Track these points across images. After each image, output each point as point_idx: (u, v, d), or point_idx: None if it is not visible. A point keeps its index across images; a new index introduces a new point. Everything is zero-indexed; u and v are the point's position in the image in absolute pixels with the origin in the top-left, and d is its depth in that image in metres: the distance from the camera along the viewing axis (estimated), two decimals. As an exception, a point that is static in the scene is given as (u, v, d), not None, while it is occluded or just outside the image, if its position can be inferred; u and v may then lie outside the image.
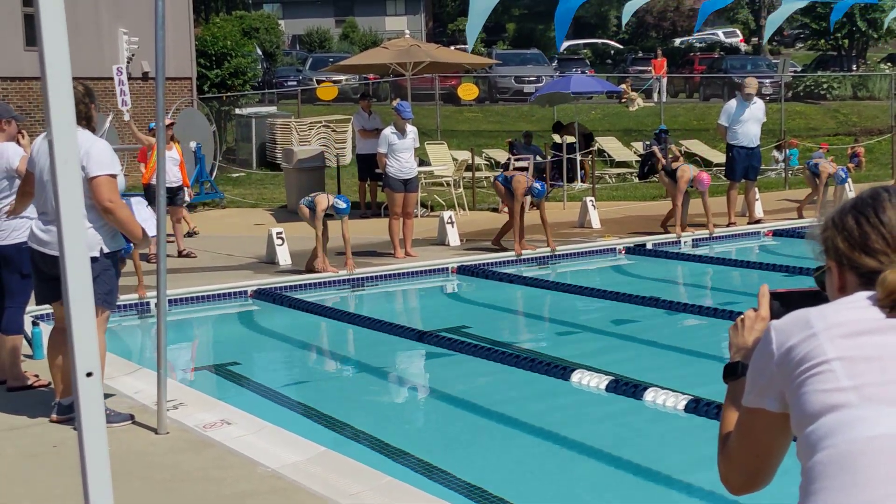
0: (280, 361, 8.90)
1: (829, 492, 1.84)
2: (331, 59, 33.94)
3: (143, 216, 6.42)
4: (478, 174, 20.93)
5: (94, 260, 5.64)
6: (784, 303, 2.22)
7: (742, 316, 2.28)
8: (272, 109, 27.63)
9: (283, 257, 12.62)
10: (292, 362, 8.86)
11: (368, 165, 18.21)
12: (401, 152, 13.03)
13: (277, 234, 12.86)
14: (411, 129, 13.22)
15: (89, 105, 6.30)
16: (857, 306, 1.99)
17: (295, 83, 32.80)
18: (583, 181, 21.30)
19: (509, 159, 19.72)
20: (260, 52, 34.44)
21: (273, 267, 12.36)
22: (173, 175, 13.18)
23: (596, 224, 15.26)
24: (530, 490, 5.68)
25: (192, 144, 18.72)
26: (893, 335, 1.92)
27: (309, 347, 9.34)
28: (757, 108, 14.78)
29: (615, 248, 13.52)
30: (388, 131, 13.13)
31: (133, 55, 23.43)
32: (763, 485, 2.14)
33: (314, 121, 24.17)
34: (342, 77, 31.33)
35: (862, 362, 1.90)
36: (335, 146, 22.99)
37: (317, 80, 31.88)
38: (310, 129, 23.49)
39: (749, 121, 14.67)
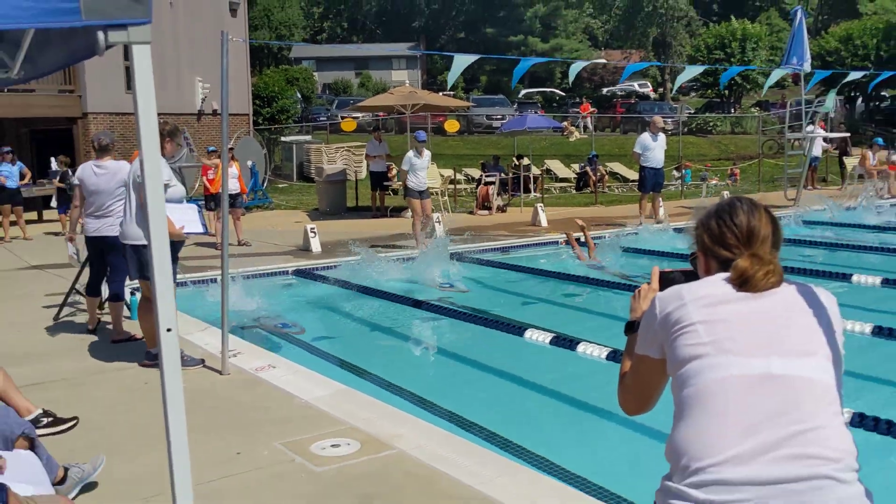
0: (312, 322, 8.86)
1: (693, 416, 1.92)
2: (351, 101, 33.77)
3: (190, 217, 6.34)
4: (458, 186, 20.90)
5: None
6: (669, 279, 2.26)
7: (639, 288, 2.33)
8: (308, 138, 27.53)
9: (315, 246, 12.56)
10: (322, 322, 8.83)
11: (378, 179, 18.19)
12: (419, 170, 12.85)
13: (311, 229, 12.79)
14: (427, 153, 13.11)
15: (164, 138, 6.35)
16: (716, 283, 2.06)
17: (325, 118, 32.69)
18: (535, 192, 21.25)
19: (482, 175, 19.65)
20: (299, 95, 34.22)
21: (308, 254, 12.31)
22: (233, 186, 13.27)
23: (544, 223, 15.23)
24: (496, 415, 5.68)
25: (249, 163, 18.60)
26: (740, 304, 2.00)
27: (335, 312, 9.31)
28: (661, 140, 14.80)
29: (557, 241, 13.49)
30: (410, 153, 12.95)
31: (206, 97, 23.28)
32: (648, 409, 2.20)
33: (339, 146, 24.08)
34: (359, 114, 31.14)
35: (718, 324, 1.97)
36: (354, 165, 22.90)
37: (341, 117, 31.68)
38: (335, 153, 23.39)
39: (656, 149, 14.67)
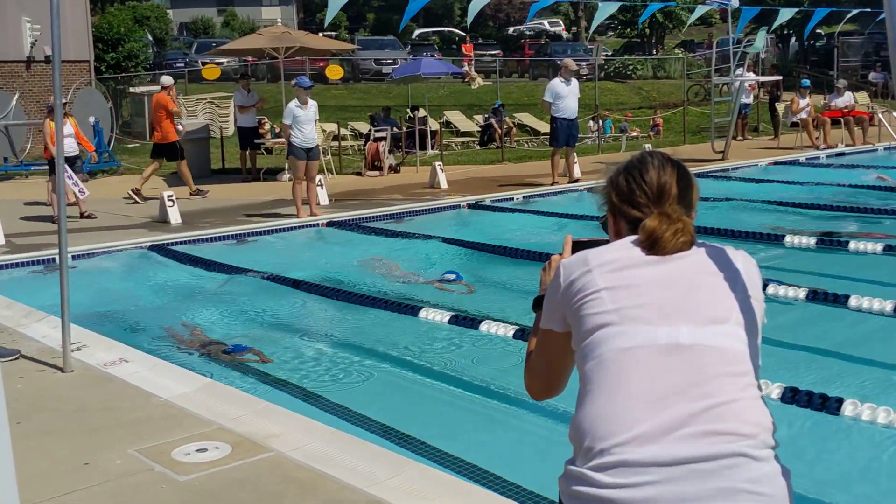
0: (170, 306, 8.71)
1: (598, 389, 2.00)
2: (214, 44, 32.96)
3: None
4: (343, 143, 20.77)
5: None
6: (582, 248, 2.30)
7: (550, 259, 2.38)
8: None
9: (175, 217, 12.32)
10: (181, 307, 8.68)
11: (248, 136, 17.90)
12: (304, 124, 12.46)
13: (168, 196, 12.52)
14: (312, 103, 12.76)
15: None
16: (624, 247, 2.14)
17: (182, 65, 31.90)
18: (433, 148, 21.33)
19: (370, 130, 19.59)
20: (150, 37, 33.26)
21: (165, 226, 12.06)
22: (69, 146, 12.82)
23: (444, 185, 15.33)
24: (390, 407, 5.73)
25: (91, 119, 17.99)
26: (648, 268, 2.08)
27: (196, 294, 9.17)
28: (574, 86, 15.03)
29: (459, 204, 13.62)
30: (293, 104, 12.54)
31: (36, 41, 22.37)
32: (556, 392, 2.26)
33: (200, 97, 23.56)
34: (224, 59, 30.52)
35: (623, 290, 2.05)
36: (219, 120, 22.45)
37: (202, 63, 30.98)
38: (196, 105, 22.87)
39: (568, 97, 14.88)
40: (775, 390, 5.28)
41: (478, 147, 23.18)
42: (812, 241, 9.77)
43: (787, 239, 9.91)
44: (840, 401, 5.13)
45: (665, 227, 2.09)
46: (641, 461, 1.88)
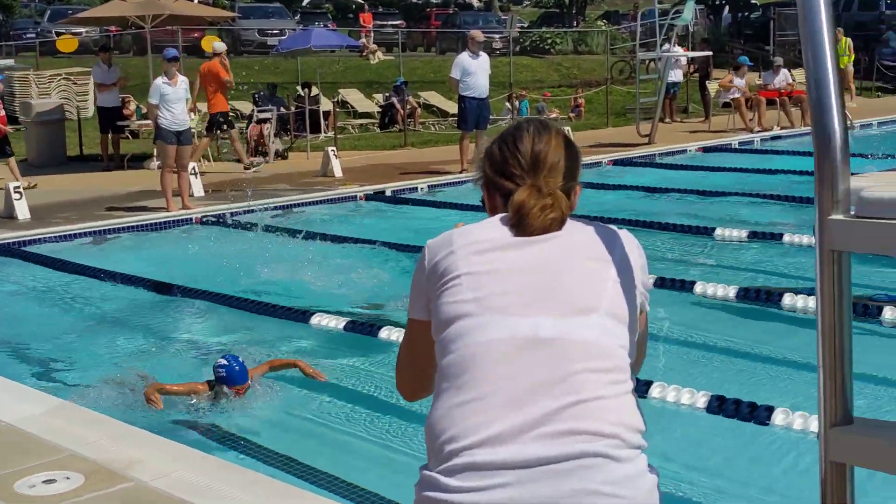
0: (14, 316, 8.49)
1: (453, 388, 2.05)
2: (70, 11, 32.21)
3: None
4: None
5: None
6: None
7: None
8: (10, 62, 26.08)
9: (22, 212, 12.01)
10: (27, 316, 8.47)
11: (109, 118, 17.55)
12: (173, 103, 12.23)
13: (15, 188, 12.20)
14: (183, 79, 12.52)
15: None
16: (492, 226, 2.19)
17: (33, 35, 31.11)
18: (326, 132, 21.24)
19: (253, 111, 19.40)
20: (-6, 2, 32.35)
21: (12, 223, 11.75)
22: None
23: (338, 173, 15.28)
24: (273, 426, 5.69)
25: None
26: (513, 251, 2.13)
27: (44, 301, 8.95)
28: (483, 61, 15.13)
29: (356, 196, 13.60)
30: (160, 81, 12.29)
31: None
32: (427, 392, 2.31)
33: (54, 73, 23.00)
34: (82, 29, 29.89)
35: (485, 276, 2.10)
36: (76, 99, 21.97)
37: (56, 33, 30.30)
38: (49, 82, 22.33)
39: (478, 73, 14.96)
40: (701, 399, 5.45)
41: (377, 130, 23.19)
42: (744, 233, 10.04)
43: (718, 232, 10.17)
44: (770, 410, 5.34)
45: (533, 202, 2.13)
46: (492, 463, 1.93)
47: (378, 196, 13.65)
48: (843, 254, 1.49)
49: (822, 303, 1.51)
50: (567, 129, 18.04)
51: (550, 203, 2.14)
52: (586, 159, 16.09)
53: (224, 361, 5.95)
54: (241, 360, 6.01)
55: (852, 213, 1.48)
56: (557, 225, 2.14)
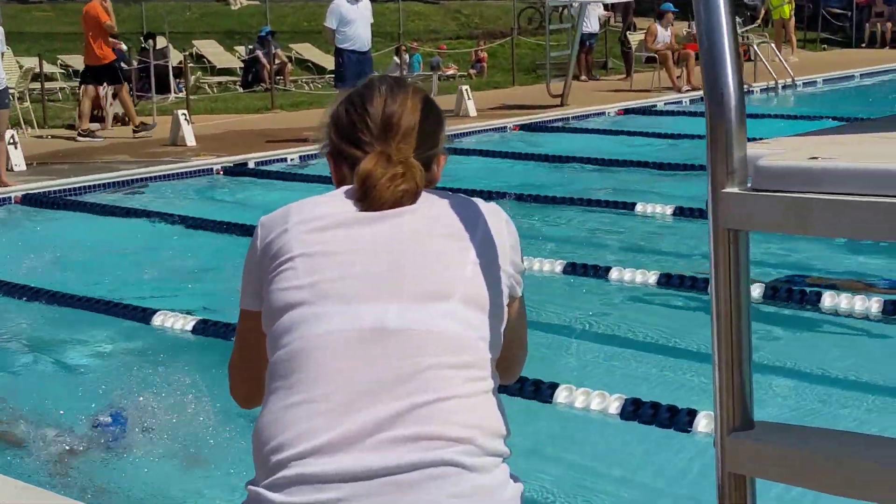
0: None
1: (283, 389, 2.06)
2: None
3: None
4: (50, 85, 20.10)
5: None
6: None
7: None
8: None
9: None
10: None
11: None
12: None
13: None
14: None
15: None
16: (334, 199, 2.21)
17: None
18: (177, 92, 20.96)
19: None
20: None
21: None
22: None
23: (191, 141, 15.09)
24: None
25: None
26: (358, 228, 2.14)
27: None
28: (364, 7, 15.06)
29: (212, 168, 13.45)
30: None
31: None
32: (261, 399, 2.29)
33: None
34: None
35: (322, 258, 2.11)
36: None
37: None
38: None
39: (357, 22, 14.90)
40: (613, 403, 5.55)
41: (239, 90, 22.99)
42: (668, 210, 10.21)
43: (639, 208, 10.33)
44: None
45: (381, 171, 2.15)
46: (325, 475, 1.95)
47: (239, 169, 13.53)
48: (739, 232, 1.52)
49: (717, 289, 1.54)
50: (466, 87, 18.18)
51: (401, 173, 2.15)
52: (489, 123, 16.26)
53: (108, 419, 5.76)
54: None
55: (749, 185, 1.51)
56: (410, 198, 2.15)
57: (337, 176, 2.32)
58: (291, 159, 14.06)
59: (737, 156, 1.50)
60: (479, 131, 15.99)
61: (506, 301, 2.17)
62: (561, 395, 5.69)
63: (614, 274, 8.09)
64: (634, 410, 5.47)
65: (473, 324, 2.08)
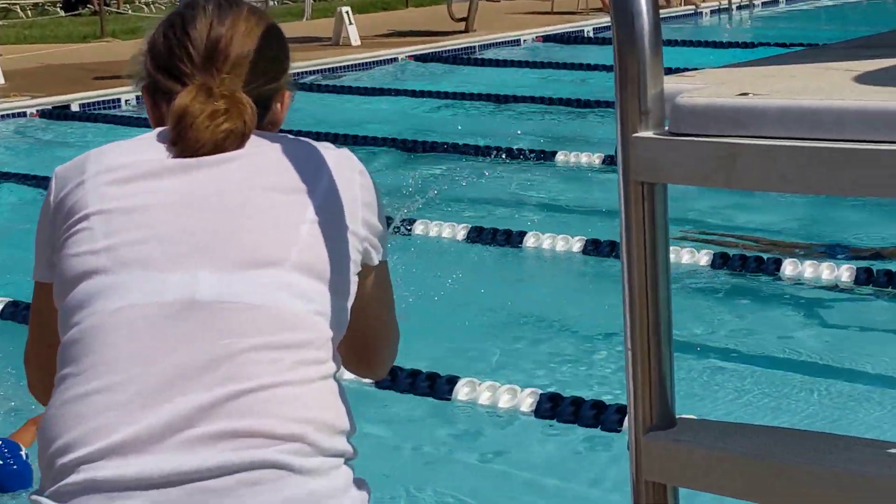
0: None
1: (73, 378, 2.01)
2: None
3: None
4: None
5: None
6: None
7: None
8: None
9: None
10: None
11: None
12: None
13: None
14: None
15: None
16: (143, 145, 2.18)
17: None
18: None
19: None
20: None
21: None
22: None
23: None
24: None
25: None
26: (170, 179, 2.10)
27: None
28: None
29: (25, 111, 13.27)
30: None
31: None
32: None
33: None
34: None
35: (123, 216, 2.07)
36: None
37: None
38: None
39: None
40: (526, 399, 5.58)
41: (61, 13, 22.64)
42: (596, 160, 10.25)
43: (560, 157, 10.37)
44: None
45: (200, 108, 2.11)
46: (120, 481, 1.92)
47: (59, 112, 13.40)
48: (655, 186, 1.52)
49: (629, 256, 1.53)
50: (346, 9, 18.05)
51: (224, 109, 2.10)
52: (376, 53, 16.18)
53: None
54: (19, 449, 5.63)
55: (666, 129, 1.51)
56: (235, 141, 2.12)
57: (154, 116, 2.27)
58: (127, 101, 13.89)
59: (651, 92, 1.48)
60: (363, 64, 15.95)
61: (355, 270, 2.15)
62: (462, 391, 5.71)
63: (530, 240, 8.12)
64: (552, 408, 5.52)
65: (308, 295, 2.04)
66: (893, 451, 1.44)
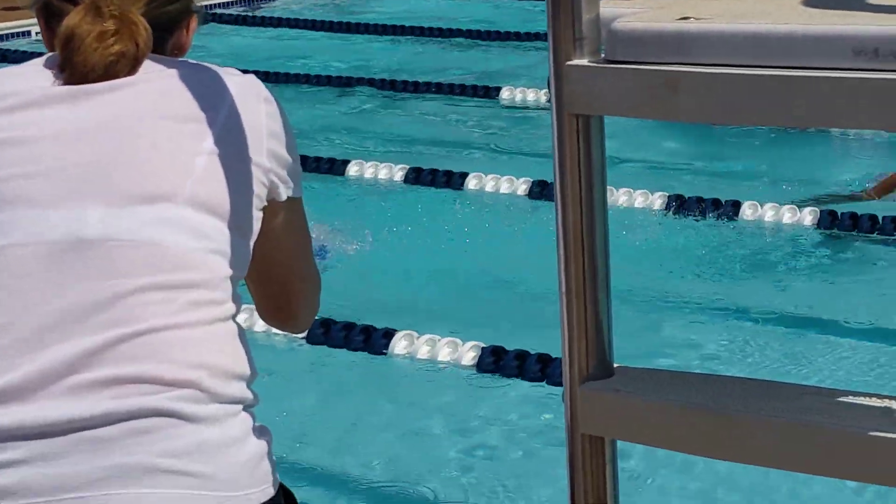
0: None
1: None
2: None
3: None
4: None
5: None
6: None
7: None
8: None
9: None
10: None
11: None
12: None
13: None
14: None
15: None
16: (31, 71, 2.15)
17: None
18: None
19: None
20: None
21: None
22: None
23: None
24: None
25: None
26: (56, 108, 2.08)
27: None
28: None
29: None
30: None
31: None
32: None
33: None
34: None
35: (7, 149, 2.04)
36: None
37: None
38: None
39: None
40: (461, 349, 5.60)
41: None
42: (543, 97, 10.22)
43: (506, 94, 10.35)
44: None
45: (88, 28, 2.08)
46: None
47: None
48: (591, 118, 1.52)
49: (563, 195, 1.53)
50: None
51: (114, 30, 2.07)
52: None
53: None
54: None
55: (602, 56, 1.51)
56: (127, 66, 2.09)
57: (48, 39, 2.22)
58: (37, 33, 13.70)
59: (585, 17, 1.48)
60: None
61: (259, 205, 2.13)
62: (399, 345, 5.72)
63: (472, 182, 8.10)
64: (495, 361, 5.53)
65: (204, 232, 2.03)
66: (840, 399, 1.46)
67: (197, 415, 1.94)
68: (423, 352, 5.71)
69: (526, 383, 5.45)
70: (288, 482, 2.18)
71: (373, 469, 5.03)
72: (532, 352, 5.53)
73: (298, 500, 2.24)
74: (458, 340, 5.68)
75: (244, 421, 2.02)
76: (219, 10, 14.11)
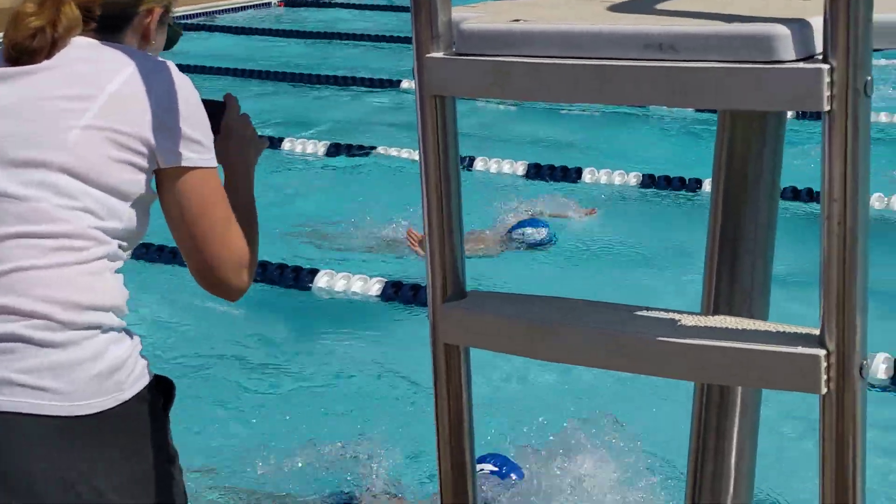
0: None
1: None
2: None
3: None
4: None
5: None
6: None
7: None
8: None
9: None
10: None
11: None
12: None
13: None
14: None
15: None
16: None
17: None
18: None
19: None
20: None
21: None
22: None
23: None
24: None
25: None
26: (3, 86, 2.11)
27: None
28: None
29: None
30: None
31: None
32: None
33: None
34: None
35: None
36: None
37: None
38: None
39: None
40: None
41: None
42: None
43: (405, 84, 10.32)
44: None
45: (22, 8, 2.08)
46: None
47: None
48: (446, 98, 1.55)
49: (426, 158, 1.56)
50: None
51: (36, 9, 2.06)
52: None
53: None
54: None
55: (454, 50, 1.54)
56: (45, 42, 2.07)
57: None
58: None
59: (441, 20, 1.52)
60: (236, 8, 15.58)
61: (138, 171, 2.10)
62: (322, 280, 5.74)
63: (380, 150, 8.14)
64: (395, 292, 5.62)
65: (71, 194, 2.04)
66: (640, 313, 1.50)
67: (47, 340, 2.00)
68: (339, 285, 5.80)
69: (418, 307, 5.55)
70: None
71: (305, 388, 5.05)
72: (423, 284, 5.62)
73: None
74: (367, 276, 5.78)
75: (100, 342, 2.04)
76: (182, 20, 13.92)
